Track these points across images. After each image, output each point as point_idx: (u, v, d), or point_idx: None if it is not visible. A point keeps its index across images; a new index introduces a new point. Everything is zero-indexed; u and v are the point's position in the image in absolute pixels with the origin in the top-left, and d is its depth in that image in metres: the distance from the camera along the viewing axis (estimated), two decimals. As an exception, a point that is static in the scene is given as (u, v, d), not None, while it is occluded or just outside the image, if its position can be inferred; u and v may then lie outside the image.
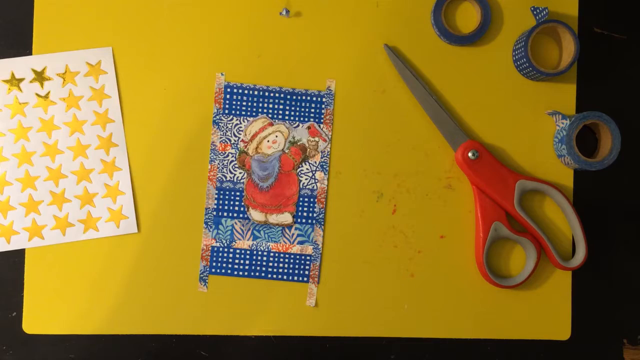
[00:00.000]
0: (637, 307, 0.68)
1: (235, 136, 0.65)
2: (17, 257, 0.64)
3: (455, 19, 0.67)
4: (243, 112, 0.65)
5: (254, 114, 0.66)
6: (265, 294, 0.65)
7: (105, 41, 0.65)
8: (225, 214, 0.65)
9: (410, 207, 0.66)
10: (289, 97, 0.66)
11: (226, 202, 0.65)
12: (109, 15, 0.65)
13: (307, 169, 0.66)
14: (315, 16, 0.66)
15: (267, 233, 0.65)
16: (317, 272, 0.65)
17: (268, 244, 0.65)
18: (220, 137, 0.65)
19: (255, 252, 0.65)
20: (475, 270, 0.66)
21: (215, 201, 0.65)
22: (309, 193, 0.65)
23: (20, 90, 0.65)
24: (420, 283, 0.66)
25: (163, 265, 0.65)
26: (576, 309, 0.67)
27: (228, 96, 0.65)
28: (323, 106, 0.66)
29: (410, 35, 0.66)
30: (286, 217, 0.65)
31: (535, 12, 0.64)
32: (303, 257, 0.65)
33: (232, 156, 0.65)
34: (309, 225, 0.65)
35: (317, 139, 0.66)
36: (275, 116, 0.66)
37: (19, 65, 0.65)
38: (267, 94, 0.66)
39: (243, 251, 0.65)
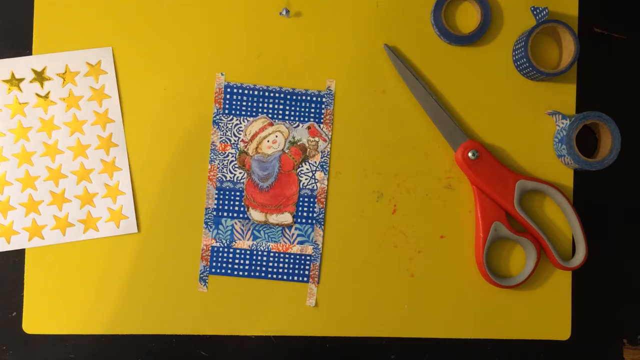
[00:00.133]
0: (637, 307, 0.68)
1: (235, 136, 0.65)
2: (17, 257, 0.64)
3: (455, 19, 0.67)
4: (243, 112, 0.65)
5: (254, 114, 0.66)
6: (265, 294, 0.65)
7: (105, 41, 0.65)
8: (225, 214, 0.65)
9: (410, 207, 0.66)
10: (289, 97, 0.66)
11: (226, 202, 0.65)
12: (109, 15, 0.65)
13: (307, 169, 0.66)
14: (315, 16, 0.66)
15: (267, 233, 0.65)
16: (317, 272, 0.65)
17: (268, 244, 0.65)
18: (220, 137, 0.65)
19: (255, 252, 0.65)
20: (475, 270, 0.66)
21: (215, 201, 0.65)
22: (309, 193, 0.65)
23: (20, 90, 0.65)
24: (420, 283, 0.66)
25: (163, 265, 0.65)
26: (576, 309, 0.67)
27: (228, 96, 0.65)
28: (323, 106, 0.66)
29: (410, 35, 0.66)
30: (286, 217, 0.65)
31: (535, 12, 0.64)
32: (303, 257, 0.65)
33: (232, 156, 0.65)
34: (309, 225, 0.65)
35: (317, 139, 0.66)
36: (275, 116, 0.66)
37: (19, 65, 0.65)
38: (267, 94, 0.66)
39: (243, 251, 0.65)
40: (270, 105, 0.66)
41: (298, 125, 0.66)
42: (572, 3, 0.67)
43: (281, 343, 0.65)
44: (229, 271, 0.65)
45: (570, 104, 0.67)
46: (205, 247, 0.65)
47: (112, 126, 0.65)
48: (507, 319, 0.66)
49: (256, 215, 0.65)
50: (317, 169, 0.66)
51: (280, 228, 0.65)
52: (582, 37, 0.67)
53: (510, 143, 0.67)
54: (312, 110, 0.66)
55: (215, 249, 0.65)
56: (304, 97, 0.66)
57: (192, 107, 0.65)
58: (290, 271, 0.65)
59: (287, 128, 0.66)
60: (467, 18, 0.67)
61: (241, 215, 0.65)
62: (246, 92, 0.65)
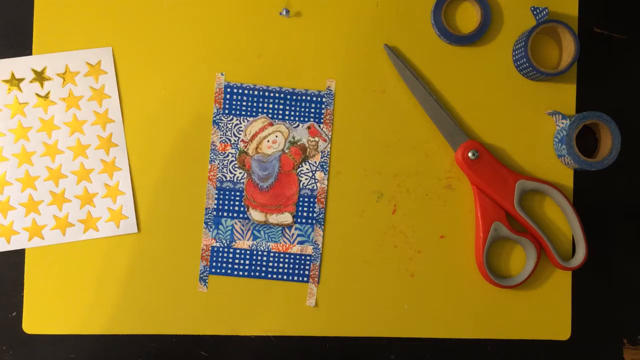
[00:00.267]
0: (637, 307, 0.68)
1: (235, 136, 0.65)
2: (17, 257, 0.64)
3: (455, 19, 0.67)
4: (243, 112, 0.65)
5: (254, 114, 0.66)
6: (265, 294, 0.65)
7: (105, 41, 0.65)
8: (225, 214, 0.65)
9: (410, 207, 0.66)
10: (289, 97, 0.66)
11: (226, 202, 0.65)
12: (109, 15, 0.65)
13: (307, 169, 0.66)
14: (315, 16, 0.66)
15: (267, 233, 0.65)
16: (317, 272, 0.65)
17: (268, 244, 0.65)
18: (220, 137, 0.65)
19: (255, 252, 0.65)
20: (475, 270, 0.66)
21: (215, 201, 0.65)
22: (309, 193, 0.65)
23: (20, 90, 0.65)
24: (420, 283, 0.66)
25: (163, 265, 0.65)
26: (576, 309, 0.67)
27: (228, 96, 0.65)
28: (323, 106, 0.66)
29: (410, 35, 0.66)
30: (286, 217, 0.65)
31: (535, 12, 0.64)
32: (303, 257, 0.65)
33: (232, 156, 0.65)
34: (309, 225, 0.65)
35: (317, 139, 0.66)
36: (275, 116, 0.66)
37: (19, 65, 0.65)
38: (267, 94, 0.66)
39: (243, 251, 0.65)
40: (270, 105, 0.66)
41: (298, 125, 0.66)
42: (572, 3, 0.67)
43: (281, 343, 0.65)
44: (229, 271, 0.65)
45: (570, 104, 0.67)
46: (205, 247, 0.65)
47: (112, 126, 0.65)
48: (507, 319, 0.66)
49: (256, 215, 0.65)
50: (317, 169, 0.66)
51: (280, 228, 0.65)
52: (582, 37, 0.67)
53: (510, 143, 0.67)
54: (312, 110, 0.66)
55: (215, 249, 0.65)
56: (303, 97, 0.66)
57: (192, 107, 0.65)
58: (290, 271, 0.65)
59: (287, 128, 0.66)
60: (467, 18, 0.67)
61: (241, 215, 0.65)
62: (246, 92, 0.65)
